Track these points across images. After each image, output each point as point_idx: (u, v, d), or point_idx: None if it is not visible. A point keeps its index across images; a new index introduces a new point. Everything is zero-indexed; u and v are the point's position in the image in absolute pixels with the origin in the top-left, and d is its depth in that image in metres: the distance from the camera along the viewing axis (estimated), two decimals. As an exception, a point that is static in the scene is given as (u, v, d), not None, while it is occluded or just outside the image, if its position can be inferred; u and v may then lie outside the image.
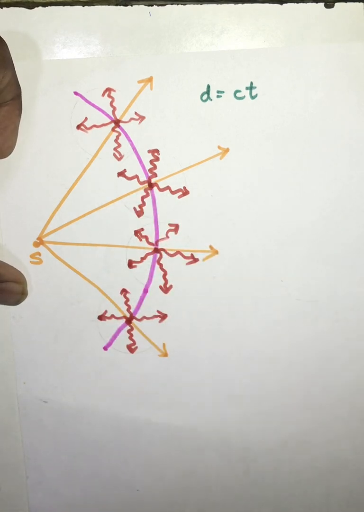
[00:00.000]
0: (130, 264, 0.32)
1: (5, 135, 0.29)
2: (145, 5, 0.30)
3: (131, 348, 0.33)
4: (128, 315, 0.32)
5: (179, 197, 0.31)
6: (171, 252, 0.32)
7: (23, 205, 0.32)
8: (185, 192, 0.31)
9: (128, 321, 0.32)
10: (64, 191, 0.31)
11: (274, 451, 0.34)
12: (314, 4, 0.30)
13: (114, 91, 0.31)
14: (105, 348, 0.33)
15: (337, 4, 0.30)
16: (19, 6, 0.30)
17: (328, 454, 0.34)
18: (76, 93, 0.31)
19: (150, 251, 0.32)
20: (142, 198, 0.32)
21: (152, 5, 0.30)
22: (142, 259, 0.32)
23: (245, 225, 0.32)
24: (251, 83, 0.31)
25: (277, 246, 0.31)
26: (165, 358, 0.33)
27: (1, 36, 0.28)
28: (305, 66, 0.31)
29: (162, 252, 0.32)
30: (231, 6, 0.30)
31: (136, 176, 0.31)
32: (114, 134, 0.31)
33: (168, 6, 0.30)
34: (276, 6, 0.30)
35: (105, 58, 0.31)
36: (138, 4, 0.30)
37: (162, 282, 0.32)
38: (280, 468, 0.34)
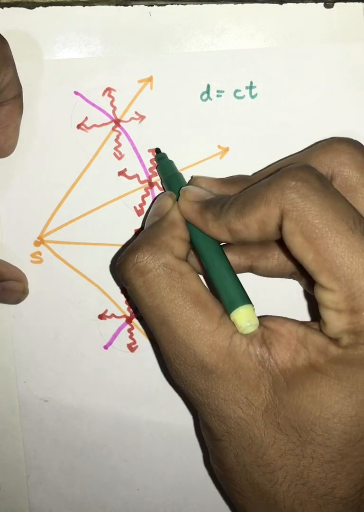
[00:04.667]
0: (131, 263, 0.32)
1: (6, 133, 0.29)
2: (145, 5, 0.30)
3: (132, 347, 0.33)
4: (128, 314, 0.32)
5: (179, 196, 0.31)
6: (172, 251, 0.32)
7: (24, 204, 0.32)
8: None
9: (129, 320, 0.32)
10: (65, 190, 0.31)
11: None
12: (314, 4, 0.30)
13: (114, 90, 0.31)
14: (106, 347, 0.33)
15: (336, 4, 0.30)
16: (20, 6, 0.30)
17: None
18: (76, 92, 0.31)
19: (150, 250, 0.32)
20: (143, 197, 0.32)
21: (152, 5, 0.30)
22: (143, 258, 0.32)
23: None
24: (251, 82, 0.31)
25: (277, 245, 0.31)
26: (165, 357, 0.33)
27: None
28: (305, 66, 0.31)
29: (163, 251, 0.32)
30: (231, 6, 0.30)
31: (137, 175, 0.31)
32: (115, 134, 0.31)
33: (168, 6, 0.30)
34: (276, 6, 0.30)
35: (105, 58, 0.31)
36: (138, 4, 0.30)
37: (162, 281, 0.32)
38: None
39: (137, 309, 0.32)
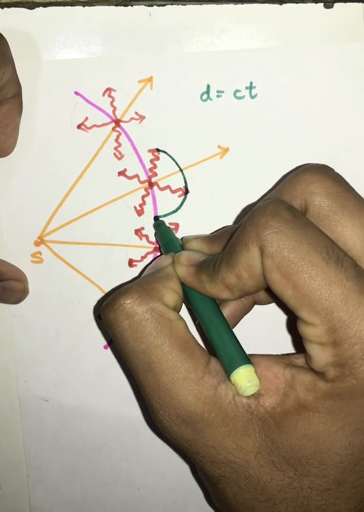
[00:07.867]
0: (131, 263, 0.32)
1: (6, 133, 0.29)
2: (145, 5, 0.30)
3: (132, 347, 0.33)
4: (128, 314, 0.32)
5: (179, 196, 0.32)
6: (172, 251, 0.32)
7: (24, 204, 0.32)
8: (185, 191, 0.31)
9: (129, 320, 0.32)
10: (65, 190, 0.32)
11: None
12: (313, 4, 0.30)
13: (114, 91, 0.31)
14: (106, 347, 0.33)
15: (336, 5, 0.30)
16: (20, 6, 0.30)
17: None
18: (76, 93, 0.31)
19: (150, 250, 0.32)
20: (143, 197, 0.32)
21: (152, 6, 0.30)
22: (143, 258, 0.32)
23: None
24: (251, 82, 0.31)
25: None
26: (165, 357, 0.33)
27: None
28: (305, 66, 0.31)
29: (163, 251, 0.32)
30: (231, 6, 0.30)
31: (137, 176, 0.31)
32: (115, 134, 0.31)
33: (168, 7, 0.30)
34: (276, 6, 0.30)
35: (106, 58, 0.31)
36: (138, 4, 0.30)
37: (162, 281, 0.32)
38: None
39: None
